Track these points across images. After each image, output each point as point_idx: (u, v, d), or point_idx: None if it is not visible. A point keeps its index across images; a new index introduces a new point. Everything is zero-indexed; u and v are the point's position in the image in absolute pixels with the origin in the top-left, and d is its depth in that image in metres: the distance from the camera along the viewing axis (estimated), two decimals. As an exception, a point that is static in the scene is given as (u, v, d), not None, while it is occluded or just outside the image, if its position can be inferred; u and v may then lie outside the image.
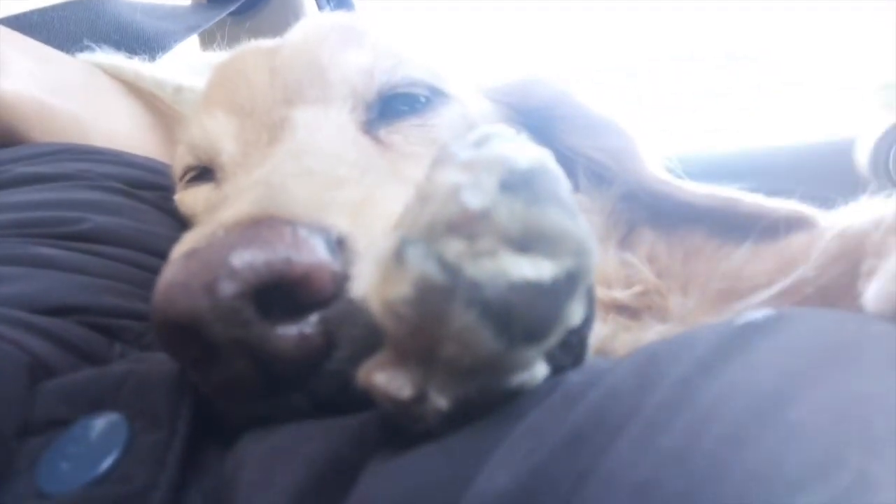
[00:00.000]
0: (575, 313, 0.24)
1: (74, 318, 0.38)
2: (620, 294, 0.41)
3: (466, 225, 0.22)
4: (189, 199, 0.49)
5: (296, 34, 0.50)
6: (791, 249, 0.40)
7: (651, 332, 0.37)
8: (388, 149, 0.43)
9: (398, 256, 0.22)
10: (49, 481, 0.29)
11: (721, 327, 0.25)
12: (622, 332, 0.36)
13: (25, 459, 0.29)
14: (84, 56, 0.72)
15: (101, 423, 0.30)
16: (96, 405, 0.31)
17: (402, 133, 0.45)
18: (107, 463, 0.28)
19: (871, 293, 0.28)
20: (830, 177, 0.88)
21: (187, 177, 0.50)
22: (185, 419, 0.29)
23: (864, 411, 0.19)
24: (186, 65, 0.89)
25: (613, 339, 0.34)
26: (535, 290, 0.22)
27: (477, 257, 0.22)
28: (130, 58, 0.74)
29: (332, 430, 0.27)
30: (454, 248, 0.22)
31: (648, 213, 0.49)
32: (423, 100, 0.46)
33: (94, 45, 0.73)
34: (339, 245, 0.28)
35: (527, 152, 0.25)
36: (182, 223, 0.52)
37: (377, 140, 0.44)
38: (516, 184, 0.23)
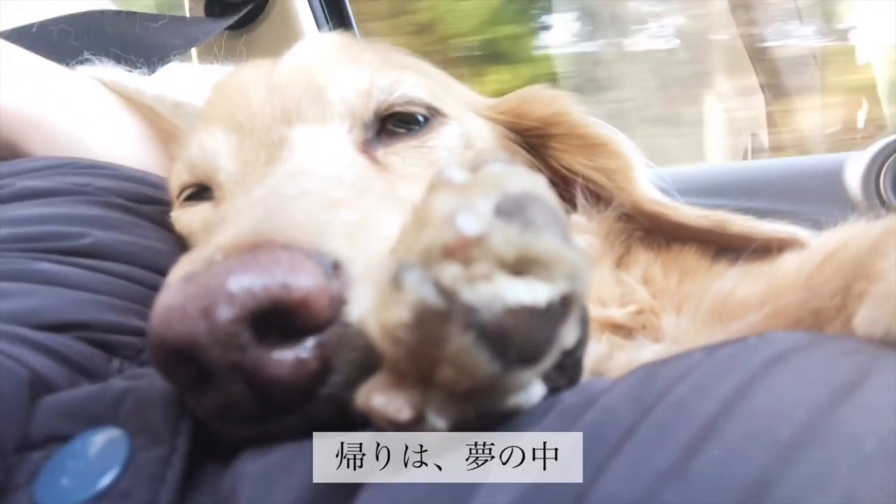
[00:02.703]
0: (569, 335, 0.25)
1: (74, 334, 0.39)
2: (615, 313, 0.42)
3: (462, 250, 0.23)
4: (186, 217, 0.50)
5: (294, 54, 0.50)
6: (782, 270, 0.41)
7: (645, 352, 0.37)
8: (386, 169, 0.44)
9: (396, 281, 0.22)
10: (48, 496, 0.29)
11: (714, 351, 0.26)
12: (617, 352, 0.37)
13: (25, 474, 0.30)
14: (84, 69, 0.73)
15: (100, 438, 0.30)
16: (96, 421, 0.31)
17: (401, 154, 0.45)
18: (107, 479, 0.28)
19: (862, 317, 0.28)
20: (821, 196, 0.89)
21: (184, 194, 0.50)
22: (184, 436, 0.30)
23: (853, 432, 0.19)
24: (184, 77, 0.90)
25: (608, 359, 0.34)
26: (530, 313, 0.23)
27: (473, 281, 0.22)
28: (130, 71, 0.75)
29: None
30: (450, 273, 0.22)
31: (644, 232, 0.49)
32: (420, 119, 0.47)
33: (94, 59, 0.73)
34: (336, 269, 0.29)
35: (521, 178, 0.25)
36: (180, 238, 0.52)
37: (375, 160, 0.44)
38: (511, 209, 0.24)
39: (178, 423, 0.30)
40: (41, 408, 0.32)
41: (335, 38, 0.53)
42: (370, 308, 0.23)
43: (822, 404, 0.20)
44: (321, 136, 0.43)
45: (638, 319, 0.42)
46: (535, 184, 0.26)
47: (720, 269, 0.45)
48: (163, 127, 0.75)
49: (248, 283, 0.26)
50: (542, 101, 0.53)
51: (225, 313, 0.25)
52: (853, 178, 0.84)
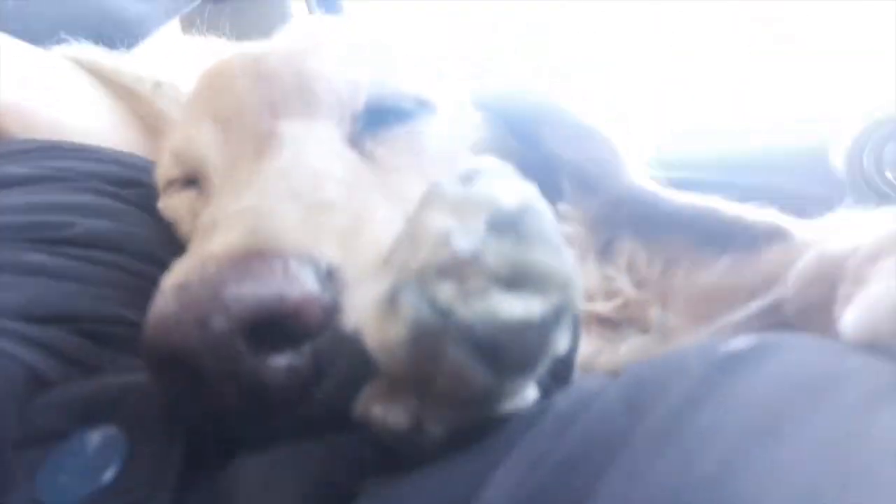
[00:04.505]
0: (562, 343, 0.25)
1: (66, 326, 0.39)
2: (601, 307, 0.42)
3: (457, 268, 0.23)
4: (173, 204, 0.49)
5: (283, 41, 0.50)
6: (768, 262, 0.42)
7: (631, 344, 0.38)
8: (375, 163, 0.44)
9: (392, 301, 0.23)
10: (49, 493, 0.29)
11: (705, 355, 0.26)
12: (606, 346, 0.37)
13: (24, 471, 0.30)
14: (60, 50, 0.71)
15: (97, 435, 0.31)
16: (94, 418, 0.31)
17: (388, 145, 0.45)
18: (107, 476, 0.29)
19: (849, 322, 0.29)
20: (807, 172, 0.89)
21: (171, 188, 0.49)
22: (183, 434, 0.30)
23: (841, 450, 0.20)
24: (166, 53, 0.88)
25: (597, 355, 0.35)
26: (524, 326, 0.23)
27: (468, 298, 0.23)
28: (110, 50, 0.73)
29: (329, 450, 0.28)
30: (446, 292, 0.23)
31: (630, 220, 0.50)
32: (410, 111, 0.46)
33: (70, 39, 0.72)
34: (329, 275, 0.29)
35: (513, 191, 0.26)
36: (167, 224, 0.52)
37: (363, 153, 0.44)
38: (504, 224, 0.24)
39: (177, 422, 0.30)
40: (39, 404, 0.32)
41: (325, 22, 0.52)
42: (367, 325, 0.24)
43: (803, 417, 0.21)
44: (310, 131, 0.43)
45: (623, 312, 0.43)
46: (528, 195, 0.26)
47: (706, 258, 0.46)
48: (142, 108, 0.74)
49: (242, 293, 0.26)
50: (533, 89, 0.53)
51: (220, 324, 0.25)
52: (838, 157, 0.85)
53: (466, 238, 0.23)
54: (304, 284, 0.27)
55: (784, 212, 0.87)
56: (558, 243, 0.25)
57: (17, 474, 0.30)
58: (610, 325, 0.42)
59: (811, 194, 0.88)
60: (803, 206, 0.87)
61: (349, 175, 0.39)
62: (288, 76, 0.46)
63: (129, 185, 0.55)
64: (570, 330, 0.26)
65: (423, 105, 0.47)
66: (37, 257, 0.41)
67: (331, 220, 0.33)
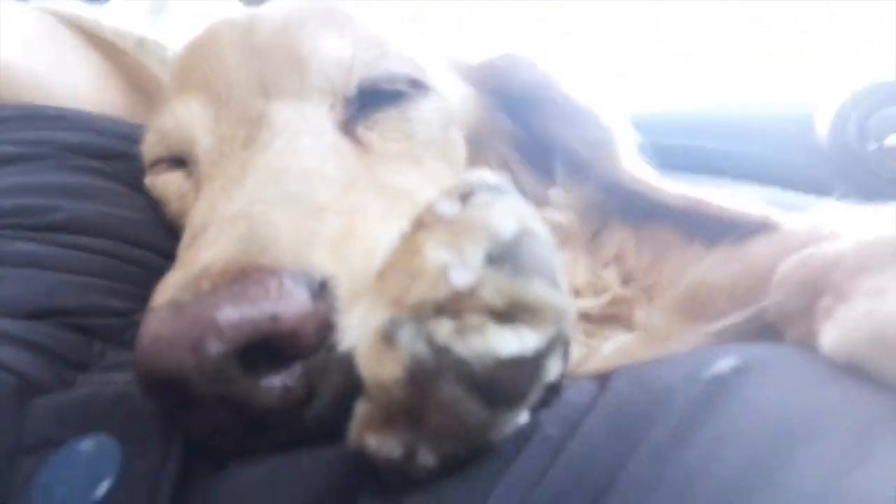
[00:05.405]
0: (554, 371, 0.26)
1: (55, 320, 0.38)
2: (589, 304, 0.43)
3: (454, 302, 0.23)
4: (161, 184, 0.48)
5: (273, 13, 0.48)
6: (754, 256, 0.42)
7: (616, 344, 0.39)
8: (367, 149, 0.43)
9: (388, 336, 0.23)
10: None
11: (690, 380, 0.27)
12: (590, 351, 0.38)
13: (18, 480, 0.30)
14: (40, 3, 0.68)
15: (91, 445, 0.31)
16: (89, 427, 0.31)
17: (380, 129, 0.44)
18: (101, 489, 0.29)
19: (829, 339, 0.30)
20: (791, 140, 0.89)
21: (158, 167, 0.48)
22: (178, 444, 0.30)
23: (827, 490, 0.21)
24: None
25: (583, 361, 0.36)
26: (519, 361, 0.24)
27: (464, 334, 0.23)
28: (91, 6, 0.70)
29: (324, 463, 0.28)
30: (444, 329, 0.23)
31: (621, 207, 0.50)
32: (402, 93, 0.45)
33: (49, -11, 0.69)
34: (322, 289, 0.29)
35: (510, 215, 0.26)
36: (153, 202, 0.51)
37: (355, 139, 0.43)
38: (501, 255, 0.24)
39: (171, 432, 0.31)
40: (33, 412, 0.32)
41: None
42: (363, 358, 0.24)
43: (783, 466, 0.22)
44: (301, 116, 0.42)
45: (610, 309, 0.43)
46: (524, 218, 0.26)
47: (694, 250, 0.46)
48: (125, 63, 0.71)
49: (237, 317, 0.26)
50: (526, 65, 0.51)
51: (214, 348, 0.25)
52: (822, 127, 0.84)
53: (464, 272, 0.23)
54: (298, 304, 0.27)
55: (767, 182, 0.87)
56: (554, 272, 0.25)
57: (12, 483, 0.30)
58: (594, 320, 0.43)
59: (793, 162, 0.89)
60: (786, 177, 0.87)
61: (341, 170, 0.39)
62: (279, 53, 0.44)
63: (115, 157, 0.53)
64: (562, 357, 0.26)
65: (415, 86, 0.46)
66: (23, 246, 0.41)
67: (323, 226, 0.32)
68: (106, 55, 0.70)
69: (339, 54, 0.44)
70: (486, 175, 0.28)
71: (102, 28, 0.69)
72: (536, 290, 0.24)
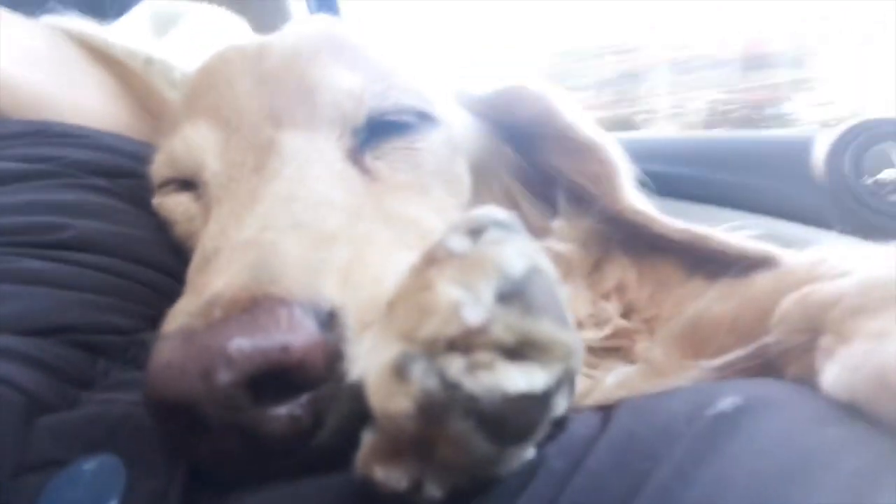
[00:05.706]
0: (561, 406, 0.26)
1: (61, 337, 0.39)
2: (590, 336, 0.43)
3: (465, 338, 0.24)
4: (169, 205, 0.49)
5: (283, 42, 0.49)
6: (755, 292, 0.43)
7: (618, 376, 0.39)
8: (374, 179, 0.44)
9: (400, 370, 0.23)
10: None
11: (693, 417, 0.27)
12: (593, 383, 0.38)
13: (23, 499, 0.30)
14: (48, 19, 0.69)
15: (97, 466, 0.31)
16: (93, 447, 0.31)
17: (388, 160, 0.45)
18: None
19: (829, 378, 0.30)
20: (788, 172, 0.90)
21: (167, 188, 0.49)
22: (183, 467, 0.30)
23: None
24: (154, 14, 0.86)
25: (586, 395, 0.36)
26: (527, 398, 0.24)
27: (474, 370, 0.23)
28: (100, 22, 0.71)
29: (330, 492, 0.28)
30: (455, 365, 0.23)
31: (622, 238, 0.50)
32: (410, 124, 0.46)
33: (59, 7, 0.70)
34: (331, 319, 0.29)
35: (520, 253, 0.26)
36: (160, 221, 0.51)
37: (363, 168, 0.44)
38: (512, 292, 0.25)
39: (176, 454, 0.31)
40: (38, 431, 0.32)
41: (327, 26, 0.51)
42: (373, 391, 0.24)
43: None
44: (311, 145, 0.42)
45: (612, 341, 0.44)
46: (533, 256, 0.26)
47: (695, 283, 0.47)
48: (133, 82, 0.72)
49: (248, 347, 0.26)
50: (530, 99, 0.52)
51: (224, 377, 0.26)
52: (819, 159, 0.86)
53: (476, 310, 0.24)
54: (307, 334, 0.28)
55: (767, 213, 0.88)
56: (562, 310, 0.26)
57: (15, 503, 0.30)
58: (596, 352, 0.43)
59: (791, 195, 0.90)
60: (784, 208, 0.88)
61: (349, 199, 0.39)
62: (291, 82, 0.45)
63: (122, 175, 0.54)
64: (569, 393, 0.27)
65: (423, 117, 0.47)
66: (32, 264, 0.41)
67: (332, 255, 0.33)
68: (113, 73, 0.71)
69: (350, 86, 0.45)
70: (496, 211, 0.29)
71: (111, 46, 0.70)
72: (546, 328, 0.25)
